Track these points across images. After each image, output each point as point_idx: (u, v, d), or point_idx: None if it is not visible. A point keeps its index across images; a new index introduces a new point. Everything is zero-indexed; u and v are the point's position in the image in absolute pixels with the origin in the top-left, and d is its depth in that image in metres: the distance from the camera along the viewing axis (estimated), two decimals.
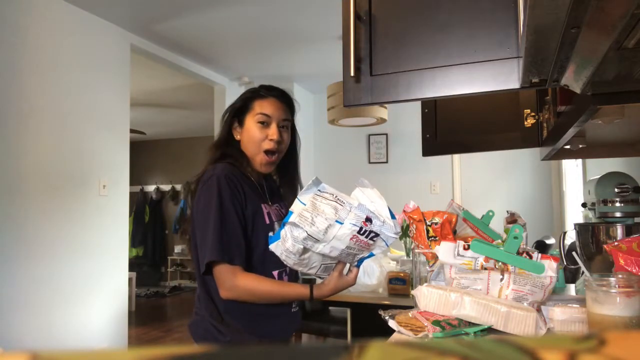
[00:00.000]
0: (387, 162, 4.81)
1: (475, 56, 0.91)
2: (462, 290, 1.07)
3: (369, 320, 1.35)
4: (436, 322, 1.01)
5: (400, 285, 2.19)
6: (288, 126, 1.34)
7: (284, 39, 3.63)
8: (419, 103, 1.89)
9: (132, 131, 3.61)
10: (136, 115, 5.59)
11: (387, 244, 1.18)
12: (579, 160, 2.97)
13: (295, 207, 1.14)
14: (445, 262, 1.13)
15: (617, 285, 0.86)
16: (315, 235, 1.10)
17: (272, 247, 1.16)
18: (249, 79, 4.53)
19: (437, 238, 1.34)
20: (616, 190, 1.36)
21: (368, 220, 1.13)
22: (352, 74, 0.99)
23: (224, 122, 1.36)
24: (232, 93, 4.60)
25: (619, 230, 1.26)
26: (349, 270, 1.23)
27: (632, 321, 0.84)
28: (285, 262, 1.16)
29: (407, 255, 2.53)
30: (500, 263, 1.09)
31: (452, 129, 1.74)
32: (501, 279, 1.05)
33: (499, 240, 1.23)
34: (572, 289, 1.66)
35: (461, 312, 1.04)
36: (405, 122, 4.48)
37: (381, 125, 3.75)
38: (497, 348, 0.18)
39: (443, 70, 0.94)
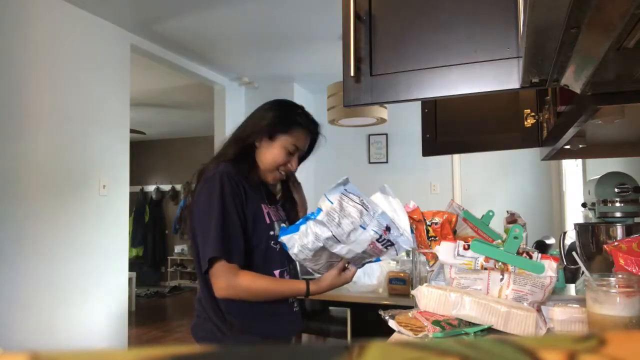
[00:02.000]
0: (387, 162, 4.81)
1: (475, 56, 0.91)
2: (462, 290, 1.07)
3: (369, 320, 1.35)
4: (436, 322, 1.01)
5: (400, 285, 2.19)
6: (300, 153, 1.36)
7: (284, 39, 3.63)
8: (419, 103, 1.89)
9: (132, 131, 3.60)
10: (136, 115, 5.59)
11: (397, 253, 1.19)
12: (579, 160, 2.97)
13: (323, 204, 1.14)
14: (445, 262, 1.13)
15: (617, 285, 0.86)
16: (339, 237, 1.11)
17: (285, 239, 1.16)
18: (249, 79, 4.53)
19: (437, 238, 1.34)
20: (616, 190, 1.36)
21: (388, 229, 1.14)
22: (352, 74, 0.99)
23: (256, 124, 1.31)
24: (232, 93, 4.60)
25: (619, 230, 1.26)
26: (347, 267, 1.23)
27: (632, 321, 0.84)
28: (294, 256, 1.16)
29: (407, 255, 2.53)
30: (500, 263, 1.09)
31: (452, 129, 1.74)
32: (501, 279, 1.05)
33: (499, 240, 1.23)
34: (572, 289, 1.66)
35: (461, 312, 1.04)
36: (405, 122, 4.48)
37: (381, 125, 3.75)
38: (497, 348, 0.18)
39: (443, 70, 0.94)
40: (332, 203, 1.13)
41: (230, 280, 1.19)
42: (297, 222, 1.17)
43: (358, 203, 1.13)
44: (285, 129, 1.29)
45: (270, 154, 1.30)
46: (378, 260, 1.22)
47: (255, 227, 1.26)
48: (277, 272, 1.27)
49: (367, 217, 1.12)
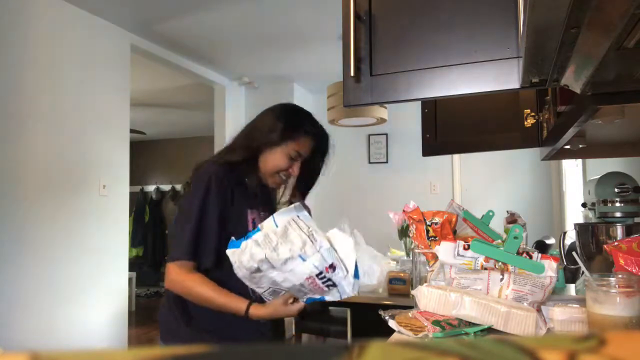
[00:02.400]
0: (387, 162, 4.81)
1: (475, 56, 0.91)
2: (462, 290, 1.07)
3: (369, 320, 1.35)
4: (436, 322, 1.01)
5: (400, 285, 2.19)
6: (301, 159, 1.33)
7: (284, 39, 3.63)
8: (419, 103, 1.89)
9: (132, 131, 3.60)
10: (136, 115, 5.58)
11: (340, 297, 1.15)
12: (579, 160, 2.97)
13: (266, 225, 1.11)
14: (445, 262, 1.13)
15: (617, 285, 0.86)
16: (273, 262, 1.07)
17: (229, 252, 1.12)
18: (249, 79, 4.52)
19: (437, 238, 1.34)
20: (616, 190, 1.36)
21: (332, 267, 1.09)
22: (352, 74, 0.99)
23: (266, 135, 1.30)
24: (232, 93, 4.60)
25: (619, 230, 1.26)
26: (295, 300, 1.19)
27: (632, 321, 0.84)
28: (235, 272, 1.13)
29: (407, 255, 2.53)
30: (500, 263, 1.09)
31: (452, 129, 1.74)
32: (501, 279, 1.05)
33: (499, 240, 1.23)
34: (572, 289, 1.66)
35: (461, 312, 1.04)
36: (405, 122, 4.48)
37: (381, 125, 3.75)
38: (497, 348, 0.18)
39: (443, 70, 0.94)
40: (276, 226, 1.09)
41: (178, 277, 1.20)
42: (242, 238, 1.13)
43: (305, 232, 1.08)
44: (292, 137, 1.29)
45: (272, 158, 1.29)
46: (322, 299, 1.16)
47: (235, 232, 1.23)
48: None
49: (310, 249, 1.07)
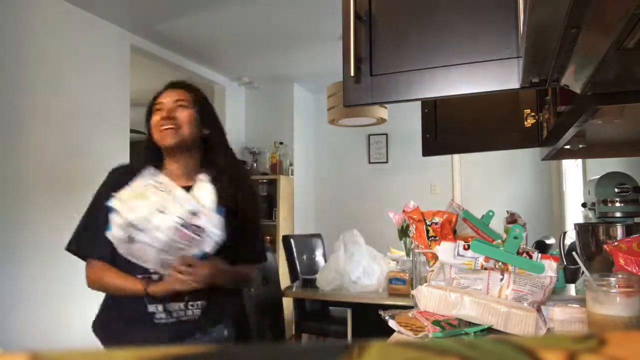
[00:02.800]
0: (387, 162, 4.81)
1: (475, 56, 0.91)
2: (462, 290, 1.07)
3: (369, 320, 1.35)
4: (436, 322, 1.01)
5: (400, 285, 2.19)
6: (185, 105, 1.39)
7: (284, 39, 3.63)
8: (419, 103, 1.89)
9: (132, 131, 3.60)
10: (136, 115, 5.58)
11: (211, 239, 1.16)
12: (579, 160, 2.98)
13: (122, 193, 1.15)
14: (445, 262, 1.13)
15: (617, 285, 0.86)
16: (136, 223, 1.09)
17: (108, 235, 1.15)
18: (249, 79, 4.52)
19: (437, 238, 1.34)
20: (616, 190, 1.36)
21: (193, 213, 1.12)
22: (352, 74, 0.99)
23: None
24: (232, 93, 4.60)
25: (619, 230, 1.26)
26: (189, 268, 1.18)
27: (632, 321, 0.84)
28: (119, 252, 1.16)
29: (407, 255, 2.53)
30: (500, 263, 1.09)
31: (452, 129, 1.74)
32: (501, 279, 1.05)
33: (499, 240, 1.23)
34: (572, 289, 1.66)
35: (461, 312, 1.04)
36: (405, 122, 4.48)
37: (381, 125, 3.75)
38: (497, 348, 0.18)
39: (443, 70, 0.94)
40: (131, 191, 1.13)
41: (86, 273, 1.30)
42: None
43: (162, 190, 1.12)
44: (152, 107, 1.45)
45: (152, 120, 1.41)
46: (205, 253, 1.16)
47: None
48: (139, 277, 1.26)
49: (169, 202, 1.10)
